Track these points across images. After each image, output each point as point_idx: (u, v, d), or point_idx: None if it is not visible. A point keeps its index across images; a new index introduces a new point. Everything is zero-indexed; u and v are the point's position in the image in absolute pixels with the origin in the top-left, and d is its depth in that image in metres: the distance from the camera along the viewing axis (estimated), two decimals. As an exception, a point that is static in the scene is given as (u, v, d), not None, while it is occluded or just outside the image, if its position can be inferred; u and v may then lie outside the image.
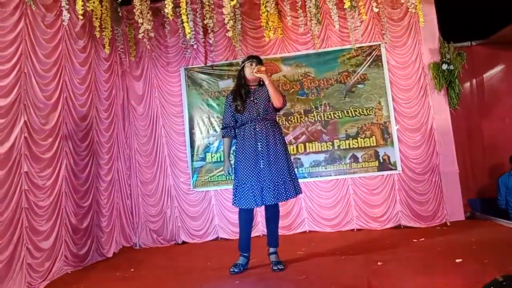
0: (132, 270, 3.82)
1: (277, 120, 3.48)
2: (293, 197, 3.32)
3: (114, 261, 4.41)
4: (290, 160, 3.40)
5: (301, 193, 3.45)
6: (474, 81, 5.71)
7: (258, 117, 3.31)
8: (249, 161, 3.25)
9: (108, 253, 4.54)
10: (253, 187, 3.22)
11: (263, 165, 3.23)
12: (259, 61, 3.42)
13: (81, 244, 4.11)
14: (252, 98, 3.35)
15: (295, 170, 3.49)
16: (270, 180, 3.21)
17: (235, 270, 3.30)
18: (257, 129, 3.29)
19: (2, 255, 3.02)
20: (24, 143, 3.39)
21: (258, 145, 3.26)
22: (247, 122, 3.33)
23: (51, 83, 3.83)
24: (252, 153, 3.26)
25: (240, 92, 3.40)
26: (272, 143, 3.28)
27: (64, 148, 3.96)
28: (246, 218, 3.38)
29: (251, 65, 3.37)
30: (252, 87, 3.43)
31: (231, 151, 3.56)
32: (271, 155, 3.25)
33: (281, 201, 3.29)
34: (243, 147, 3.31)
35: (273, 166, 3.24)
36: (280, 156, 3.28)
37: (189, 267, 3.81)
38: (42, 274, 3.45)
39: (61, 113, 3.93)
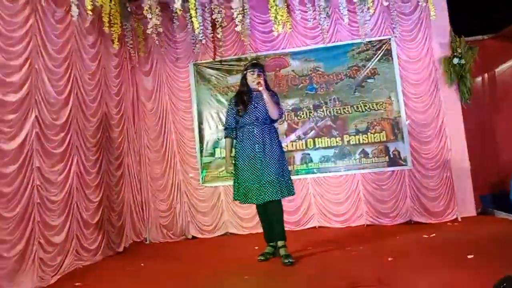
0: (142, 264, 3.85)
1: (274, 124, 3.68)
2: (288, 195, 3.55)
3: (125, 256, 4.44)
4: (285, 161, 3.66)
5: (293, 194, 3.67)
6: (486, 75, 5.61)
7: (257, 121, 3.55)
8: (247, 161, 3.50)
9: (118, 248, 4.57)
10: (252, 185, 3.44)
11: (259, 165, 3.45)
12: (260, 70, 3.61)
13: (92, 238, 4.13)
14: (253, 103, 3.58)
15: (289, 171, 3.72)
16: (267, 179, 3.41)
17: (261, 258, 3.52)
18: (255, 132, 3.53)
19: (14, 250, 3.04)
20: (36, 138, 3.41)
21: (255, 147, 3.50)
22: (246, 125, 3.57)
23: (61, 78, 3.84)
24: (250, 154, 3.50)
25: (242, 98, 3.63)
26: (268, 145, 3.51)
27: (75, 144, 3.98)
28: (261, 213, 3.65)
29: (252, 74, 3.57)
30: (254, 93, 3.63)
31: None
32: (267, 156, 3.48)
33: (278, 198, 3.44)
34: (242, 148, 3.56)
35: (269, 167, 3.45)
36: (275, 157, 3.50)
37: (199, 262, 3.84)
38: (54, 268, 3.48)
39: (72, 109, 3.95)
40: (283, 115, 3.70)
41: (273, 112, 3.52)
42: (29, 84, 3.38)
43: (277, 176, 3.42)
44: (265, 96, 3.48)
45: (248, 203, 3.55)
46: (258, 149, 3.47)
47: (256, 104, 3.56)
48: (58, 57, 3.80)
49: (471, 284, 2.47)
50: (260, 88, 3.47)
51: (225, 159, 3.77)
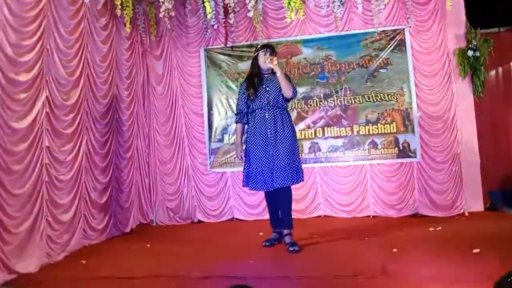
0: (148, 245, 3.90)
1: (287, 108, 3.62)
2: (298, 182, 3.49)
3: (131, 236, 4.50)
4: (297, 147, 3.58)
5: (303, 181, 3.61)
6: (500, 69, 5.51)
7: (268, 105, 3.47)
8: (259, 146, 3.43)
9: (125, 229, 4.63)
10: (263, 171, 3.39)
11: (272, 150, 3.39)
12: (273, 51, 3.55)
13: (100, 218, 4.20)
14: (264, 86, 3.51)
15: (300, 158, 3.65)
16: (278, 165, 3.36)
17: (266, 244, 3.54)
18: (267, 116, 3.45)
19: (22, 226, 3.10)
20: (46, 118, 3.45)
21: (267, 131, 3.42)
22: (257, 109, 3.50)
23: (73, 59, 3.87)
24: (261, 139, 3.43)
25: (253, 81, 3.55)
26: (280, 130, 3.44)
27: (85, 125, 4.02)
28: (269, 199, 3.62)
29: (265, 54, 3.49)
30: (265, 75, 3.57)
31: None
32: (278, 141, 3.41)
33: (289, 185, 3.42)
34: (254, 133, 3.49)
35: (281, 152, 3.39)
36: (288, 142, 3.43)
37: (203, 245, 3.88)
38: (61, 246, 3.55)
39: (82, 90, 3.98)
40: (296, 94, 3.62)
41: (286, 90, 3.44)
42: (41, 64, 3.41)
43: (289, 162, 3.37)
44: (278, 73, 3.41)
45: (259, 189, 3.51)
46: (270, 134, 3.41)
47: (267, 87, 3.49)
48: (70, 38, 3.82)
49: (476, 278, 2.46)
50: (274, 63, 3.41)
51: (236, 145, 3.72)
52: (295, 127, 4.89)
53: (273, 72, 3.51)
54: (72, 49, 3.86)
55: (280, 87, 3.46)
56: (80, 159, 3.90)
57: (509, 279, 1.69)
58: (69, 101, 3.78)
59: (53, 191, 3.50)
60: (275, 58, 3.44)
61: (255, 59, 3.59)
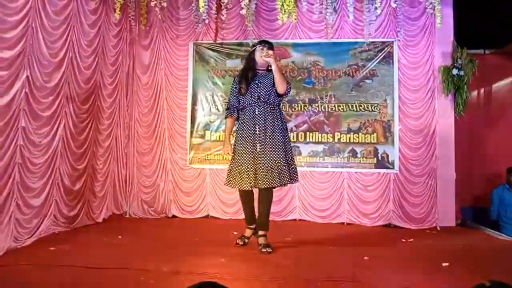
0: (120, 237, 3.83)
1: (280, 106, 3.53)
2: (287, 184, 3.36)
3: (103, 227, 4.42)
4: (289, 146, 3.45)
5: (297, 182, 3.51)
6: (482, 89, 5.65)
7: (259, 101, 3.38)
8: (246, 143, 3.34)
9: (97, 218, 4.55)
10: (248, 169, 3.29)
11: (259, 148, 3.30)
12: (270, 46, 3.49)
13: (72, 206, 4.11)
14: (256, 82, 3.43)
15: (294, 158, 3.53)
16: (264, 164, 3.26)
17: (240, 243, 3.51)
18: (256, 113, 3.36)
19: (-10, 207, 3.01)
20: (24, 98, 3.35)
21: (256, 128, 3.33)
22: (248, 105, 3.41)
23: (58, 41, 3.78)
24: (250, 136, 3.34)
25: (246, 75, 3.47)
26: (269, 127, 3.33)
27: (64, 108, 3.92)
28: (245, 199, 3.50)
29: (262, 49, 3.43)
30: (260, 71, 3.49)
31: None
32: (267, 139, 3.31)
33: (274, 186, 3.33)
34: (242, 130, 3.40)
35: (268, 150, 3.29)
36: (277, 141, 3.32)
37: (176, 240, 3.82)
38: (29, 231, 3.45)
39: (64, 73, 3.89)
40: (290, 91, 3.53)
41: (279, 84, 3.35)
42: (24, 42, 3.32)
43: (276, 163, 3.26)
44: (274, 66, 3.34)
45: (243, 188, 3.36)
46: (258, 131, 3.31)
47: (259, 83, 3.40)
48: (56, 18, 3.73)
49: (443, 290, 2.51)
50: (270, 53, 3.35)
51: (224, 140, 3.61)
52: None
53: (268, 70, 3.47)
54: (58, 30, 3.77)
55: (273, 84, 3.39)
56: (56, 143, 3.80)
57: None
58: (50, 83, 3.69)
59: (25, 173, 3.40)
60: (271, 52, 3.39)
61: (251, 54, 3.53)
